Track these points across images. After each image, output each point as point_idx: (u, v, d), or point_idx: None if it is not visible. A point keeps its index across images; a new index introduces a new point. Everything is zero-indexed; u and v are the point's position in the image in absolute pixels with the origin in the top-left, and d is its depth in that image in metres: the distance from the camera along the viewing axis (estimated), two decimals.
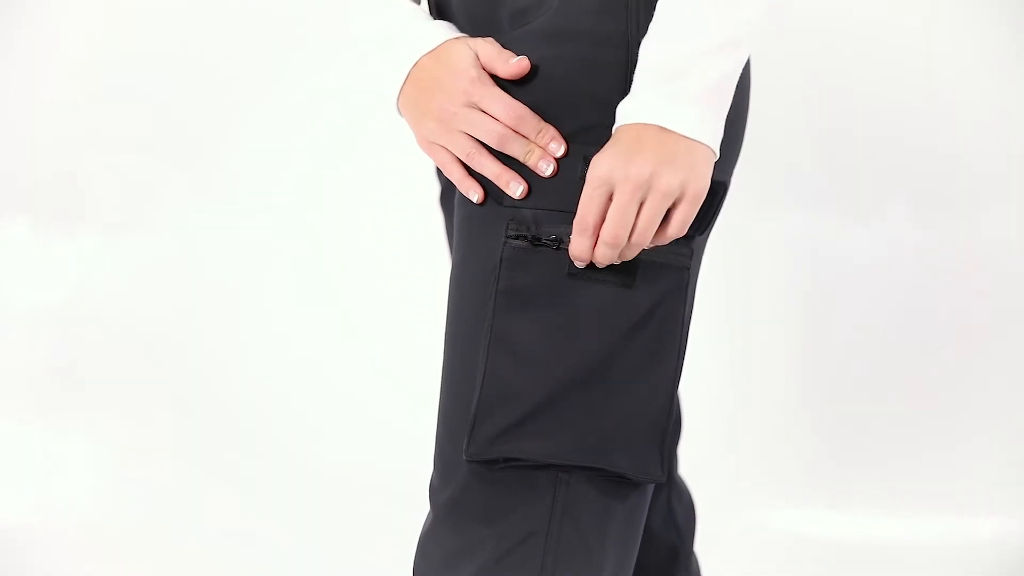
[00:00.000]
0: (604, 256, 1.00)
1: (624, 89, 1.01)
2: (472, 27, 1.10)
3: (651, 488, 1.10)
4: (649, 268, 1.02)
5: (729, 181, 1.12)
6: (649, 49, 0.99)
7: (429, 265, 1.94)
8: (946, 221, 2.41)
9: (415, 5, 1.12)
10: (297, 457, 2.46)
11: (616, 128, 0.99)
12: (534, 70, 1.03)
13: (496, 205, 1.04)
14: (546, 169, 1.02)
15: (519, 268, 1.02)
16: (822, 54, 2.36)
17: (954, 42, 2.36)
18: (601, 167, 0.97)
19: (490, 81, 1.04)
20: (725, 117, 1.00)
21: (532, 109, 1.03)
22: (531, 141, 1.02)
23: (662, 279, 1.03)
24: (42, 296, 2.52)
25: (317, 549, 2.28)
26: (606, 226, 0.98)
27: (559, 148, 1.02)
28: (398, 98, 1.09)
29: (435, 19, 1.14)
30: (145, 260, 2.53)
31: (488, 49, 1.05)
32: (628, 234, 0.98)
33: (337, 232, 2.56)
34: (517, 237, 1.02)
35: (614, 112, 1.01)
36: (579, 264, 1.01)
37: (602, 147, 1.00)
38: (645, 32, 1.01)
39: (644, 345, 1.02)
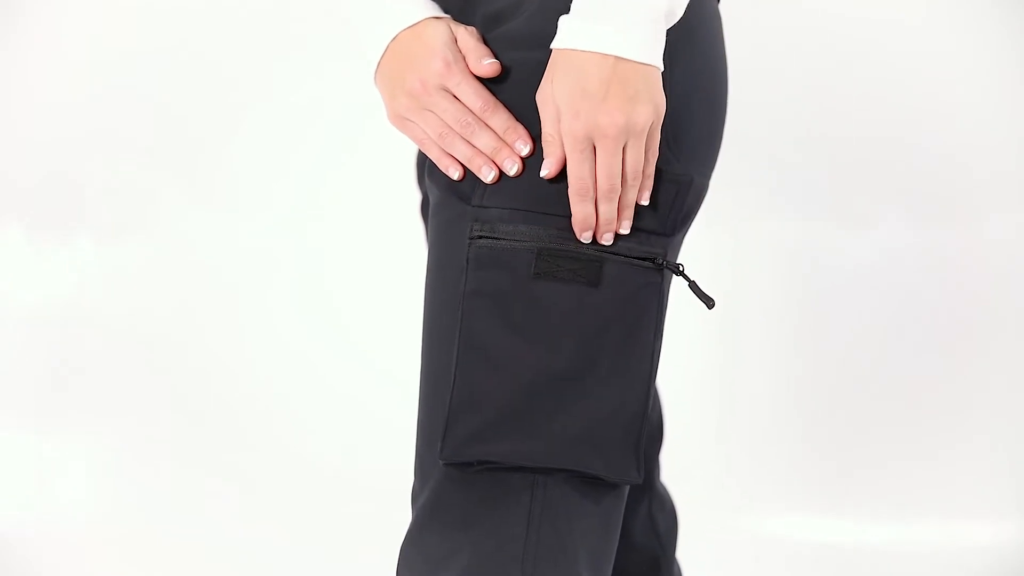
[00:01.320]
0: (607, 214, 1.00)
1: None
2: None
3: (626, 489, 1.10)
4: (616, 267, 1.01)
5: (703, 179, 1.10)
6: None
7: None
8: (942, 226, 2.40)
9: None
10: (297, 460, 2.46)
11: (564, 49, 0.97)
12: (505, 72, 1.04)
13: (463, 204, 1.04)
14: (511, 168, 1.01)
15: (485, 268, 1.01)
16: (818, 56, 2.36)
17: (952, 44, 2.35)
18: (576, 126, 0.97)
19: (464, 67, 1.04)
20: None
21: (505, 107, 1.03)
22: (498, 137, 1.02)
23: (630, 278, 1.02)
24: (38, 300, 2.52)
25: (318, 551, 2.29)
26: (600, 183, 0.99)
27: (525, 147, 1.01)
28: (376, 71, 1.09)
29: None
30: (142, 264, 2.53)
31: (467, 38, 1.05)
32: (621, 179, 0.99)
33: (335, 234, 2.56)
34: (481, 237, 1.01)
35: None
36: (585, 237, 1.00)
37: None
38: None
39: (615, 345, 1.01)
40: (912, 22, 2.35)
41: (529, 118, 1.02)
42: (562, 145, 0.99)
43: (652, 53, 0.97)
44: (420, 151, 1.28)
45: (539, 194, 1.01)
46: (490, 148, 1.02)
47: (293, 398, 2.52)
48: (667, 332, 1.19)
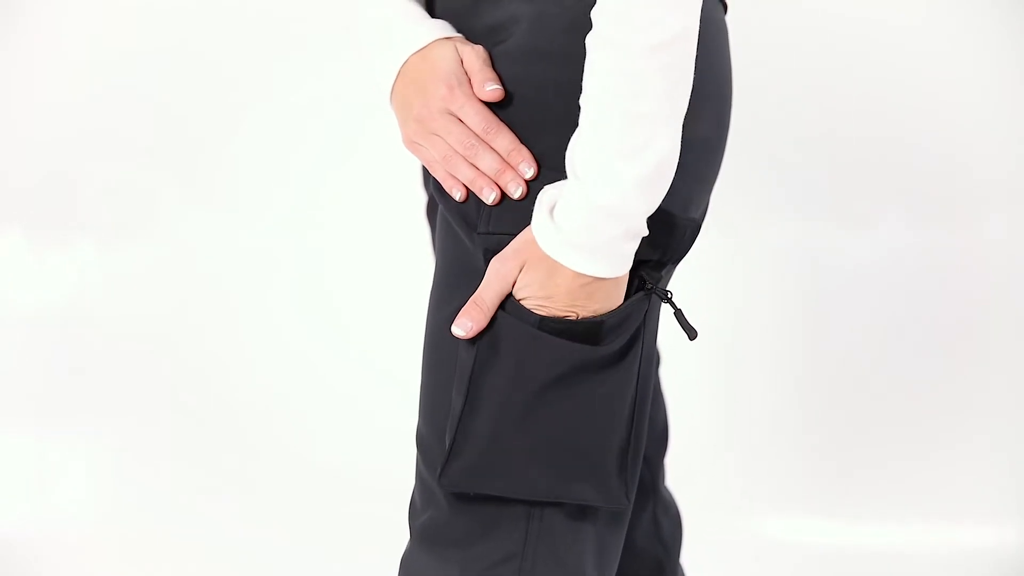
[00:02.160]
0: None
1: None
2: None
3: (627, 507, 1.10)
4: (615, 317, 1.00)
5: (703, 195, 1.09)
6: (583, 189, 0.95)
7: (428, 270, 1.93)
8: (944, 227, 2.40)
9: (416, 5, 1.11)
10: (298, 461, 2.46)
11: (536, 244, 0.96)
12: (507, 90, 1.03)
13: (469, 230, 1.04)
14: (515, 191, 1.01)
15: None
16: (818, 56, 2.35)
17: (952, 44, 2.35)
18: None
19: (468, 90, 1.03)
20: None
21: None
22: (502, 159, 1.01)
23: (628, 324, 1.01)
24: (39, 302, 2.51)
25: (319, 552, 2.29)
26: None
27: (529, 169, 1.00)
28: (390, 95, 1.09)
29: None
30: (142, 265, 2.53)
31: (473, 59, 1.04)
32: None
33: (336, 235, 2.56)
34: None
35: None
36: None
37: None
38: None
39: (608, 382, 1.01)
40: (912, 22, 2.34)
41: (529, 136, 1.01)
42: (488, 316, 0.99)
43: (624, 267, 0.98)
44: None
45: None
46: (493, 170, 1.01)
47: (293, 399, 2.52)
48: (668, 336, 1.19)
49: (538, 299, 0.98)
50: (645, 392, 1.04)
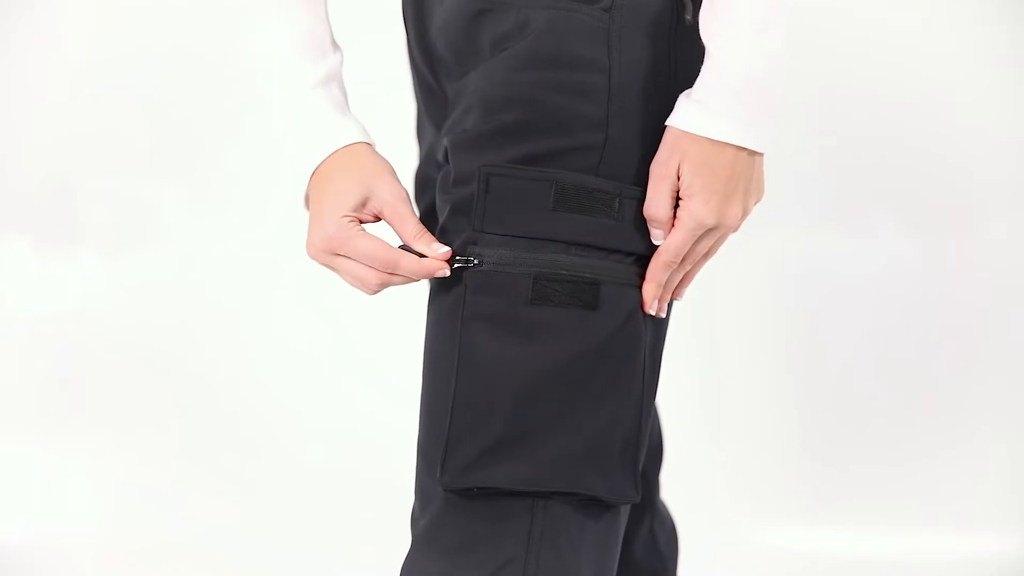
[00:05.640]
0: (673, 286, 1.05)
1: (604, 114, 1.01)
2: (454, 56, 1.09)
3: (626, 507, 1.10)
4: (613, 289, 1.01)
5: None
6: (724, 61, 0.99)
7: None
8: (943, 229, 2.39)
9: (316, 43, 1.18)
10: (302, 469, 2.45)
11: (693, 134, 0.99)
12: (515, 94, 1.02)
13: (464, 221, 1.04)
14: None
15: (483, 294, 1.01)
16: (817, 58, 2.35)
17: (953, 45, 2.33)
18: (704, 213, 1.00)
19: (351, 237, 1.10)
20: None
21: (511, 128, 1.02)
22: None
23: (626, 299, 1.02)
24: (42, 310, 2.50)
25: (320, 554, 2.29)
26: (687, 261, 1.04)
27: (446, 273, 1.04)
28: (307, 185, 1.13)
29: (415, 52, 1.16)
30: (146, 275, 2.52)
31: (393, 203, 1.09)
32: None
33: None
34: (481, 263, 1.02)
35: (594, 135, 1.01)
36: (653, 308, 1.03)
37: (575, 171, 1.00)
38: (625, 56, 1.01)
39: (612, 366, 1.02)
40: (912, 22, 2.34)
41: (536, 139, 1.01)
42: (672, 222, 1.02)
43: (771, 142, 1.01)
44: (418, 167, 1.29)
45: (539, 222, 1.01)
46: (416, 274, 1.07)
47: (297, 407, 2.50)
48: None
49: (707, 195, 0.99)
50: (652, 386, 1.05)
